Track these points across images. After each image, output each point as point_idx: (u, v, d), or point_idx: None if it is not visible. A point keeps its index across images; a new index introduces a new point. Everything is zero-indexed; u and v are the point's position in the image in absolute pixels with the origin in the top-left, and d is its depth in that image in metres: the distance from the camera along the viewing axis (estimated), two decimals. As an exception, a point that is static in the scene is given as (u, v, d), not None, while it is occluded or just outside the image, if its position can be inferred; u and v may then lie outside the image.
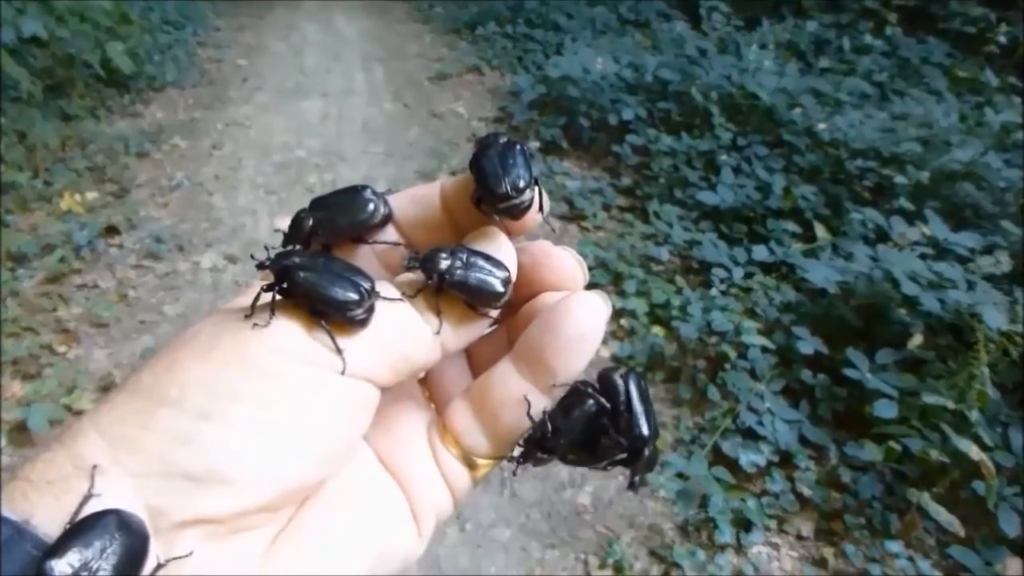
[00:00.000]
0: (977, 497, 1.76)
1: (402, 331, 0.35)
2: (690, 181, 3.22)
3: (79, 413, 2.18)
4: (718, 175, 3.14)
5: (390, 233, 0.40)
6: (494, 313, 0.37)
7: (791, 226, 2.83)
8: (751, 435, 2.06)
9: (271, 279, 0.34)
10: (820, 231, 2.75)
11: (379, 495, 0.36)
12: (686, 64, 4.00)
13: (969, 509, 1.80)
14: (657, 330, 2.48)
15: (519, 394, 0.35)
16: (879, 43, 4.46)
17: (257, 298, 0.34)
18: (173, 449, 0.29)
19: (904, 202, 2.71)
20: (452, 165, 3.78)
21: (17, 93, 3.46)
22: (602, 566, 1.81)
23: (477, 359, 0.42)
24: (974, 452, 1.73)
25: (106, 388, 2.28)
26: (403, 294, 0.35)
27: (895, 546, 1.80)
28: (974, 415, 1.82)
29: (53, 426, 2.11)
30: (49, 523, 0.27)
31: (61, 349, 2.40)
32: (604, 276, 2.74)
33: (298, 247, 0.39)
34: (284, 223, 0.40)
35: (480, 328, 0.37)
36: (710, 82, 3.69)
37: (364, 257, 0.40)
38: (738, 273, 2.64)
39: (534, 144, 3.83)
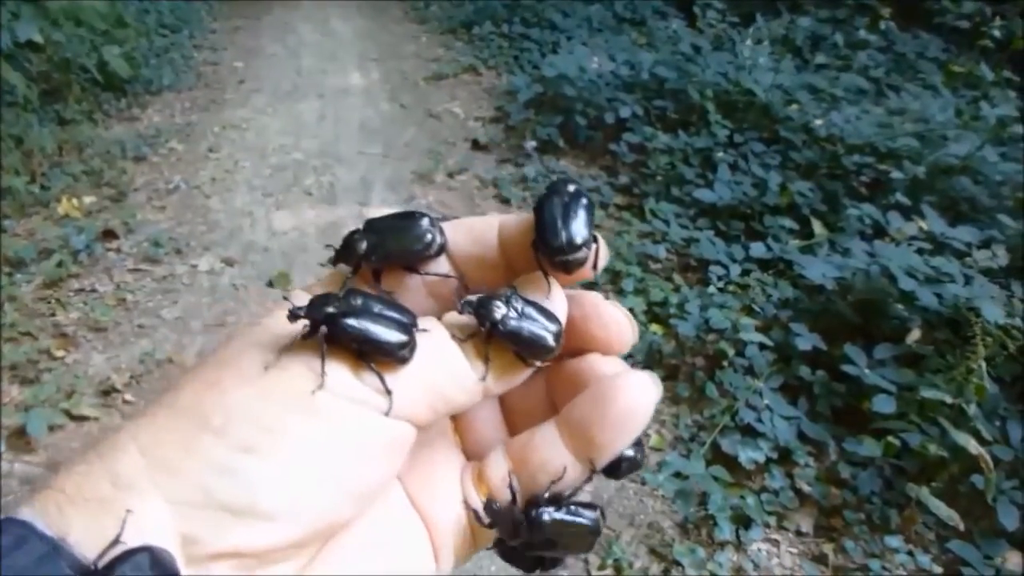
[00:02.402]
0: (976, 491, 1.76)
1: (448, 374, 0.35)
2: (687, 179, 3.22)
3: (78, 418, 2.18)
4: (715, 172, 3.14)
5: (442, 264, 0.39)
6: (540, 363, 0.37)
7: (788, 223, 2.83)
8: (750, 432, 2.06)
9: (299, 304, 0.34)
10: (817, 227, 2.75)
11: (405, 533, 0.36)
12: (682, 61, 4.00)
13: (968, 503, 1.80)
14: (655, 328, 2.48)
15: (560, 461, 0.36)
16: (874, 38, 4.46)
17: (302, 337, 0.34)
18: (214, 480, 0.29)
19: (901, 197, 2.71)
20: (448, 165, 3.78)
21: (13, 98, 3.46)
22: (602, 566, 1.81)
23: (510, 404, 0.42)
24: (972, 446, 1.74)
25: (105, 392, 2.28)
26: (453, 336, 0.35)
27: (895, 541, 1.80)
28: (972, 409, 1.82)
29: (52, 431, 2.12)
30: (86, 543, 0.27)
31: (59, 354, 2.40)
32: (602, 275, 2.74)
33: (334, 291, 0.38)
34: (335, 241, 0.39)
35: (523, 376, 0.37)
36: (706, 79, 3.68)
37: (412, 285, 0.40)
38: (736, 270, 2.64)
39: (531, 143, 3.82)
